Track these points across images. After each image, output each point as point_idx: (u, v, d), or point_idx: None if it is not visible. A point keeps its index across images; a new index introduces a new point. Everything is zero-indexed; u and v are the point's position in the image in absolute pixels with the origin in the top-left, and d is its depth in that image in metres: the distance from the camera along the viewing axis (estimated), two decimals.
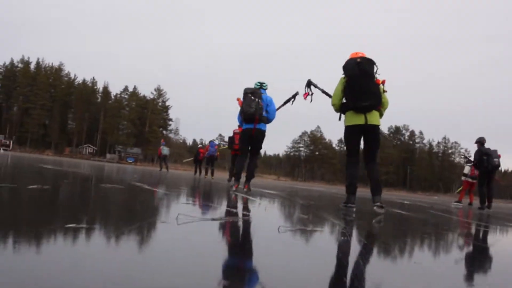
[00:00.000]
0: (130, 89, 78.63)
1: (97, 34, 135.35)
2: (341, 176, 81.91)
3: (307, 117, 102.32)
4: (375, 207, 3.95)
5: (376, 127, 4.07)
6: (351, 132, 4.13)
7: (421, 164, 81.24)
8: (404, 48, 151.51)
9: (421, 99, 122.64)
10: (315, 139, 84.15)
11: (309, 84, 4.98)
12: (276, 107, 5.99)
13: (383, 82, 4.04)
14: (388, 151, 79.86)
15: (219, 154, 14.76)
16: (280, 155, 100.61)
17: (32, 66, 79.71)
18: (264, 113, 5.73)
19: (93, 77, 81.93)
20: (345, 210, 3.90)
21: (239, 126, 7.10)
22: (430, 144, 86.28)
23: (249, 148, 5.96)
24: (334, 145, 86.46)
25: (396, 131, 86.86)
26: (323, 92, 4.83)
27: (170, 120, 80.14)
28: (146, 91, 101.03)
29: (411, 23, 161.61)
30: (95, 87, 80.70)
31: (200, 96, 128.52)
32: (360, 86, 3.94)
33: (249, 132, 5.78)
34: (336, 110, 4.27)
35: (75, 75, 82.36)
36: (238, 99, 5.82)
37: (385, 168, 76.82)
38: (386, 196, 18.01)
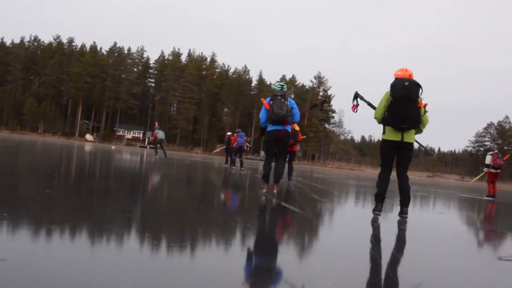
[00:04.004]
0: (288, 78, 71.09)
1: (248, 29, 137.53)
2: None
3: (491, 107, 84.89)
4: (399, 217, 4.40)
5: (411, 144, 4.50)
6: (387, 146, 4.52)
7: None
8: None
9: None
10: (503, 132, 70.08)
11: (356, 96, 5.28)
12: (300, 111, 6.27)
13: (425, 106, 4.45)
14: None
15: (248, 146, 15.26)
16: (456, 151, 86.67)
17: (183, 58, 75.72)
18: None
19: (245, 65, 75.86)
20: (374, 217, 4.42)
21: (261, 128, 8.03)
22: None
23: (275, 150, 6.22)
24: None
25: None
26: (369, 104, 5.18)
27: (333, 112, 71.09)
28: (305, 79, 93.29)
29: None
30: (248, 76, 74.33)
31: (370, 87, 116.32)
32: (403, 109, 4.28)
33: (277, 133, 5.96)
34: (379, 123, 4.59)
35: (228, 66, 76.99)
36: (262, 100, 6.08)
37: None
38: None
